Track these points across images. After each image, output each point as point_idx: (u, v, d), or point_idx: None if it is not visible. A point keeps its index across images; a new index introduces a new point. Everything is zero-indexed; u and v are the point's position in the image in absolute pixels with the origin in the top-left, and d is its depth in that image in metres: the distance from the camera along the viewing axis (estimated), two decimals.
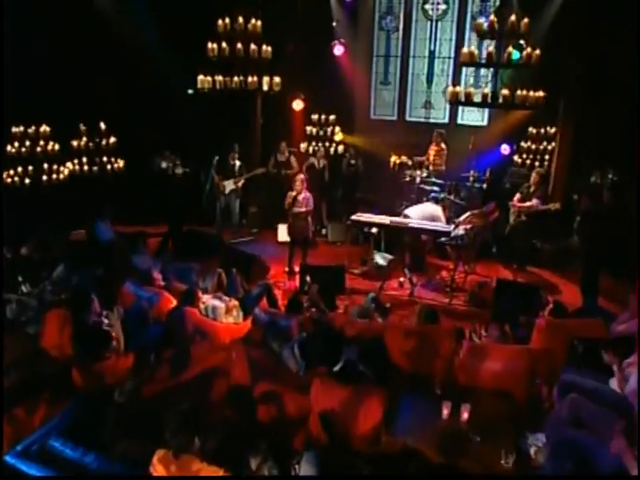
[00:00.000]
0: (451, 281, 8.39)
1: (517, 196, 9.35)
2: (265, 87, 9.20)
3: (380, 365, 5.41)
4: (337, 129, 12.12)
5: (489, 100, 7.79)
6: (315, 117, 12.00)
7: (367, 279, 8.81)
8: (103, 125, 10.09)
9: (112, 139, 10.18)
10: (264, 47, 8.78)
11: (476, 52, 8.00)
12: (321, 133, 11.96)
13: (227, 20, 8.62)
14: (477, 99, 8.04)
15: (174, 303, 6.48)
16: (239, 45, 8.63)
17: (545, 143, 11.38)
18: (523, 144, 11.53)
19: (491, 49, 7.71)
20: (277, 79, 9.26)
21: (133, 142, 10.54)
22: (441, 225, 8.13)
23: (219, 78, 9.10)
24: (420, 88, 13.30)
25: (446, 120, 13.19)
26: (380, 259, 9.29)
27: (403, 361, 5.46)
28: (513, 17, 7.08)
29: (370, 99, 13.58)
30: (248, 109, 10.58)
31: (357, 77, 13.08)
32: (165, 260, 7.98)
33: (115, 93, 10.50)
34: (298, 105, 11.38)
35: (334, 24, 12.15)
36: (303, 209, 8.82)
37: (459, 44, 12.79)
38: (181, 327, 6.20)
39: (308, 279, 7.38)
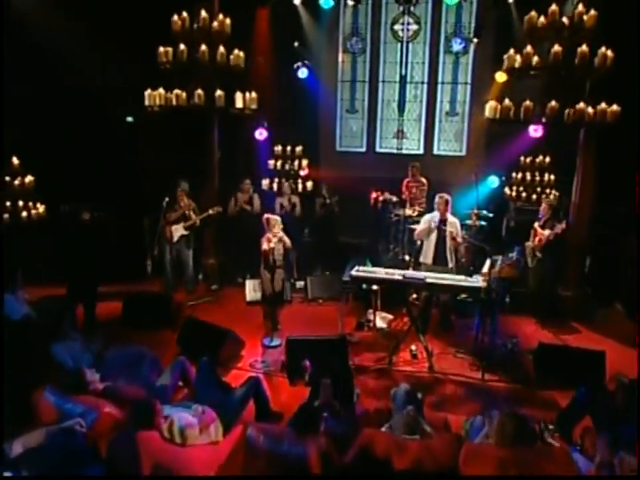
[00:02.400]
0: (479, 348, 6.43)
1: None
2: (239, 104, 7.00)
3: None
4: (305, 162, 10.08)
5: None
6: (278, 148, 9.94)
7: (370, 350, 6.68)
8: (15, 161, 7.57)
9: (28, 178, 7.65)
10: (235, 51, 6.64)
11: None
12: (286, 167, 9.89)
13: (185, 15, 6.38)
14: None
15: (121, 421, 4.15)
16: (203, 47, 6.41)
17: (537, 173, 9.83)
18: (514, 175, 9.91)
19: (557, 48, 5.87)
20: (253, 95, 7.11)
21: (56, 182, 8.04)
22: (465, 278, 6.16)
23: (176, 92, 6.73)
24: (391, 116, 11.54)
25: (421, 150, 11.47)
26: (379, 320, 7.24)
27: None
28: (580, 7, 5.35)
29: (336, 128, 11.69)
30: (202, 139, 8.36)
31: (322, 104, 11.23)
32: (100, 344, 5.52)
33: (32, 119, 8.04)
34: (261, 134, 9.30)
35: (295, 44, 10.31)
36: (281, 258, 6.77)
37: (433, 67, 11.24)
38: (134, 462, 3.88)
39: (307, 363, 5.17)
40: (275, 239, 6.62)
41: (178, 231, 7.96)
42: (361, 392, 5.55)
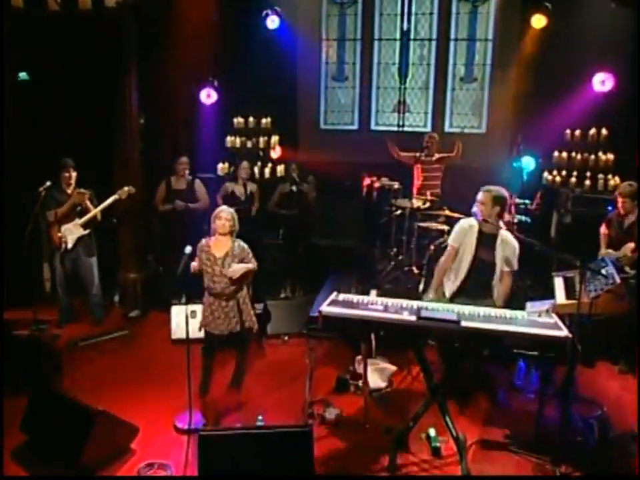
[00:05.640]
0: (542, 431, 3.47)
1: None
2: None
3: None
4: (275, 139, 7.15)
5: None
6: (239, 120, 7.00)
7: (356, 436, 3.69)
8: None
9: None
10: None
11: None
12: (249, 144, 6.96)
13: None
14: None
15: None
16: None
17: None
18: (556, 154, 6.96)
19: None
20: None
21: None
22: (532, 320, 3.15)
23: None
24: (390, 84, 8.55)
25: (428, 127, 8.44)
26: (373, 375, 4.26)
27: None
28: None
29: (320, 100, 8.71)
30: (113, 98, 5.41)
31: (301, 69, 8.27)
32: None
33: None
34: (208, 96, 6.30)
35: None
36: (236, 276, 3.83)
37: (443, 20, 8.24)
38: None
39: None
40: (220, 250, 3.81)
41: (72, 232, 5.02)
42: None
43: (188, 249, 3.64)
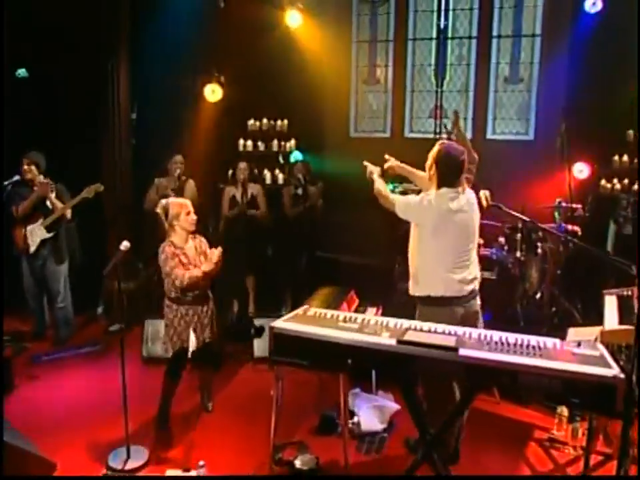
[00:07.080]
0: None
1: None
2: None
3: None
4: (291, 143, 6.45)
5: None
6: (253, 123, 6.36)
7: None
8: None
9: None
10: None
11: None
12: (261, 147, 6.29)
13: None
14: None
15: None
16: None
17: None
18: (616, 158, 5.86)
19: None
20: None
21: None
22: (582, 354, 2.19)
23: None
24: (425, 87, 7.69)
25: (469, 134, 7.49)
26: (370, 413, 3.34)
27: None
28: None
29: (350, 106, 7.95)
30: (101, 91, 4.87)
31: (329, 72, 7.56)
32: None
33: None
34: (213, 92, 5.66)
35: None
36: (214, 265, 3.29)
37: (485, 14, 7.32)
38: None
39: None
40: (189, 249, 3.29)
41: (35, 233, 4.44)
42: None
43: (125, 245, 2.94)
